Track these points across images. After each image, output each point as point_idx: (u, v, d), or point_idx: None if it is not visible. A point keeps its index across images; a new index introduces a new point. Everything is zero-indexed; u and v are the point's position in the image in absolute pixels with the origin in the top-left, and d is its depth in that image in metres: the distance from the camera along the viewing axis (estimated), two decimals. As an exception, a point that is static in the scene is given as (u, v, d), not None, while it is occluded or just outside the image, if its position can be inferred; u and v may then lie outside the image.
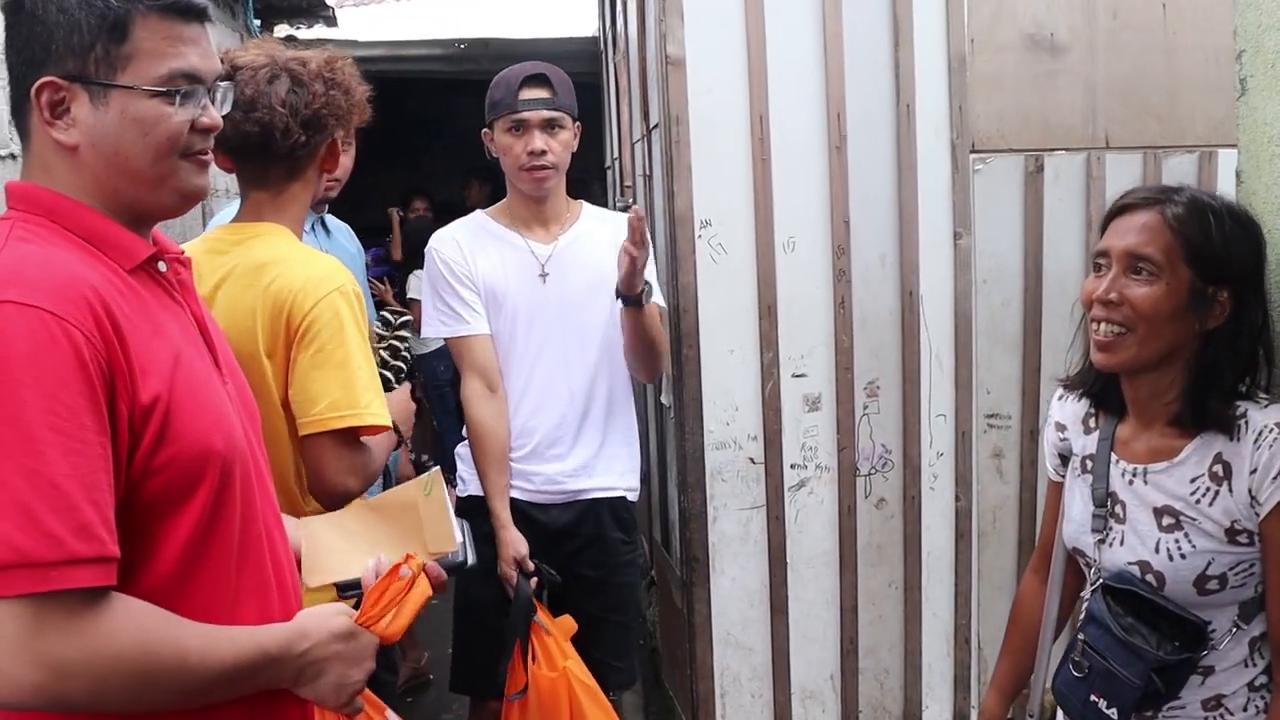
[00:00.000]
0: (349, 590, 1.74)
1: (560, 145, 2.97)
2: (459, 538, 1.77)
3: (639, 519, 3.54)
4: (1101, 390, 1.98)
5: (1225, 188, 3.41)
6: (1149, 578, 1.85)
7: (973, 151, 3.34)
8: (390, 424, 2.25)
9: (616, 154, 4.94)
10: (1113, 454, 1.95)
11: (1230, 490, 1.77)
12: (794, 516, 3.37)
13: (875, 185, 3.30)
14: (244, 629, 1.44)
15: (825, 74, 3.24)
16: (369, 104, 2.38)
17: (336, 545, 1.79)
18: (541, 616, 2.90)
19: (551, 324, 3.00)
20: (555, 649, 2.87)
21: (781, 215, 3.26)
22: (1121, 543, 1.90)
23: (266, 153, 2.21)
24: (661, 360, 3.11)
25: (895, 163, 3.30)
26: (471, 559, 1.79)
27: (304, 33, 6.86)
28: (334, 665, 1.51)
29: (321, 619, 1.52)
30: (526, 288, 3.00)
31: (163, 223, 1.58)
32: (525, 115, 2.94)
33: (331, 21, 7.00)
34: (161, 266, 1.53)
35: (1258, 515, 1.75)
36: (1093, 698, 1.89)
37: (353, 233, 3.48)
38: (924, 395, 3.38)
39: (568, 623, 2.96)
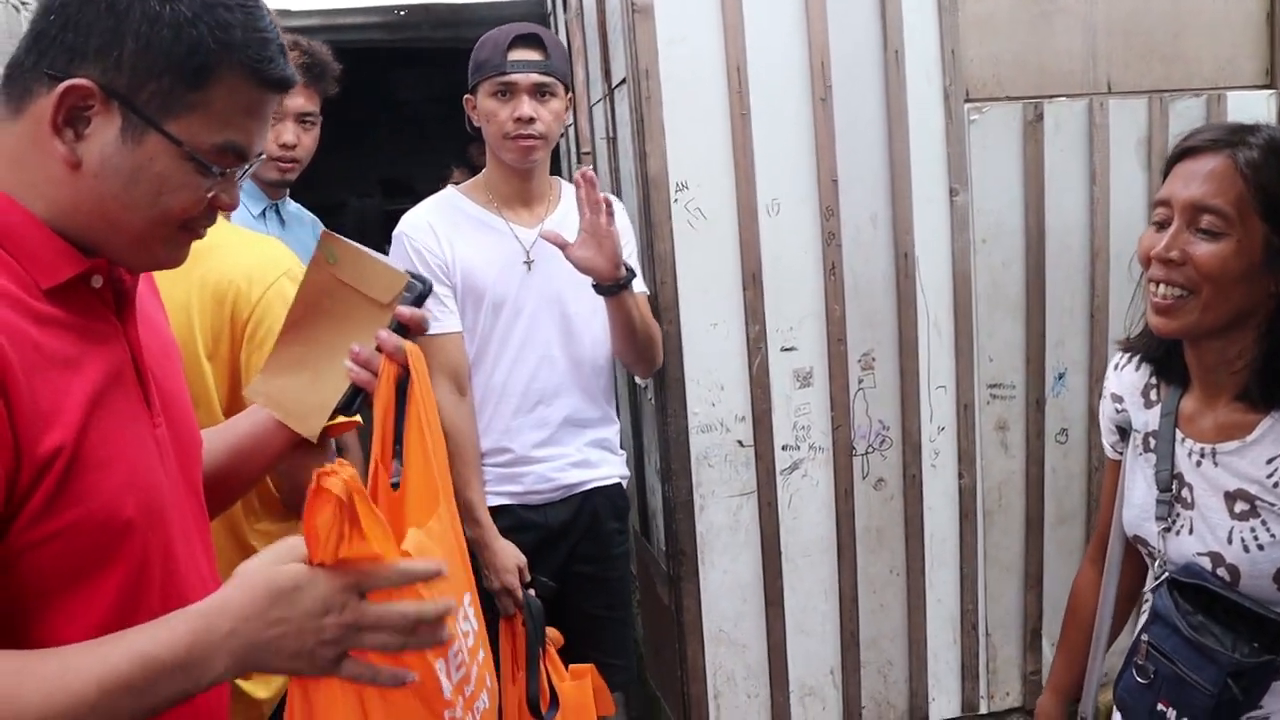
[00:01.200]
0: (353, 402, 1.52)
1: (551, 114, 2.69)
2: (402, 266, 1.52)
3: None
4: (1164, 356, 1.74)
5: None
6: (1221, 571, 1.62)
7: (967, 100, 3.10)
8: (359, 420, 2.02)
9: (571, 119, 4.67)
10: (1177, 431, 1.72)
11: None
12: (787, 502, 3.13)
13: (864, 140, 3.05)
14: (112, 641, 1.08)
15: (806, 19, 2.98)
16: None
17: (302, 380, 1.52)
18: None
19: (537, 315, 2.75)
20: (556, 658, 2.68)
21: (764, 175, 3.01)
22: (1190, 531, 1.68)
23: None
24: (657, 350, 2.87)
25: (885, 114, 3.05)
26: (425, 284, 1.53)
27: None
28: (283, 634, 1.11)
29: (245, 580, 1.12)
30: (510, 277, 2.74)
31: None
32: (514, 78, 2.65)
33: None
34: (95, 282, 1.23)
35: None
36: (1160, 706, 1.65)
37: (318, 223, 3.21)
38: (922, 366, 3.15)
39: (554, 635, 2.74)
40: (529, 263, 2.74)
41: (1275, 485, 1.59)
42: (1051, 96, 3.15)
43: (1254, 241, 1.56)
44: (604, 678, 2.74)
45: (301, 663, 1.14)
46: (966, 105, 3.10)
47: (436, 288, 2.66)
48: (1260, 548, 1.59)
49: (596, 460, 2.86)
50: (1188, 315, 1.60)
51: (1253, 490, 1.61)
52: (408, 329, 1.48)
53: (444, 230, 2.73)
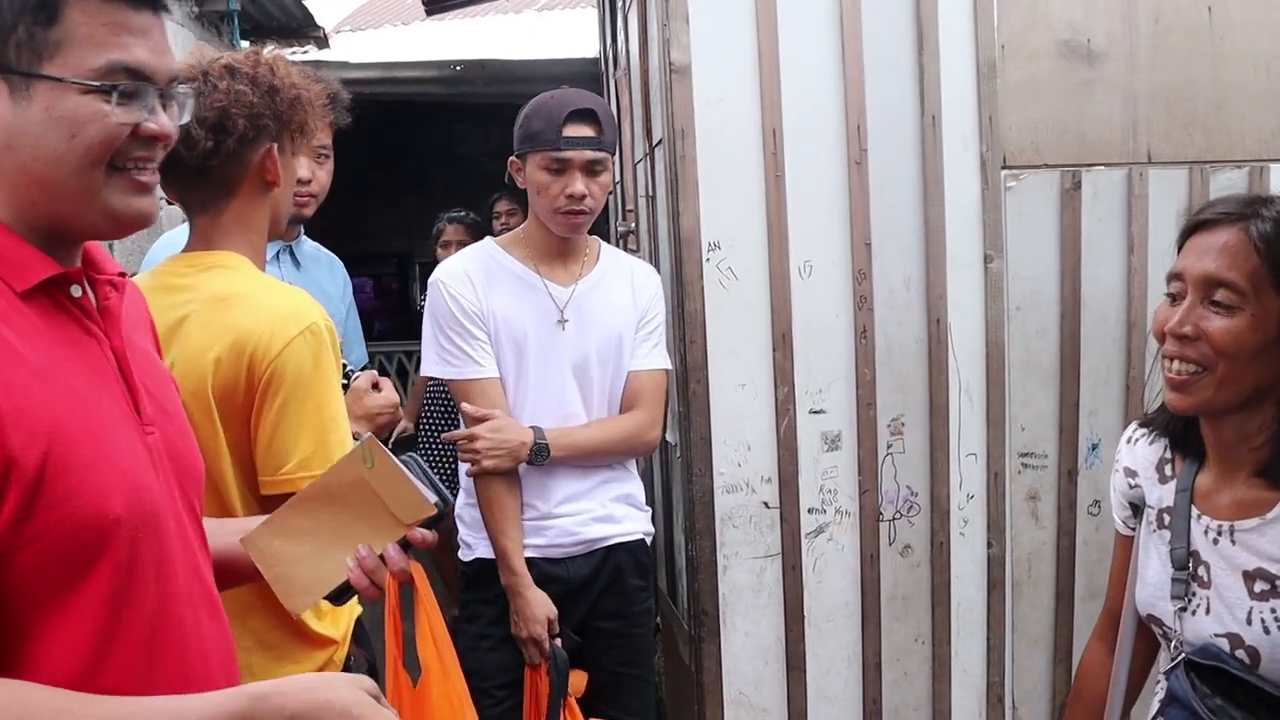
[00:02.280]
0: (343, 596, 1.54)
1: (600, 188, 2.75)
2: (431, 496, 1.54)
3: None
4: (1182, 431, 1.71)
5: None
6: (1240, 653, 1.58)
7: (1004, 167, 3.08)
8: None
9: (618, 177, 4.71)
10: (1193, 507, 1.68)
11: None
12: (812, 565, 3.09)
13: (899, 203, 3.04)
14: (156, 704, 1.12)
15: (844, 82, 2.98)
16: (328, 105, 2.10)
17: (299, 553, 1.53)
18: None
19: (564, 371, 2.78)
20: (576, 710, 2.70)
21: (796, 236, 3.00)
22: (1206, 611, 1.64)
23: (181, 167, 1.90)
24: (635, 448, 2.91)
25: (920, 179, 3.04)
26: (449, 497, 1.58)
27: (294, 55, 6.65)
28: None
29: (293, 686, 1.19)
30: (542, 332, 2.77)
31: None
32: (568, 155, 2.69)
33: (323, 43, 6.81)
34: (75, 291, 1.25)
35: None
36: None
37: (339, 264, 3.21)
38: (953, 433, 3.11)
39: (577, 681, 2.74)
40: (563, 321, 2.76)
41: None
42: (1090, 165, 3.12)
43: (1269, 315, 1.54)
44: (622, 736, 2.74)
45: None
46: (1003, 172, 3.08)
47: (476, 333, 2.71)
48: None
49: (620, 515, 2.86)
50: (1203, 392, 1.58)
51: (1273, 570, 1.57)
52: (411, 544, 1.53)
53: (480, 280, 2.76)
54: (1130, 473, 1.82)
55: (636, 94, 3.70)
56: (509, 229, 4.12)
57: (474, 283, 2.76)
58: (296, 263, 2.98)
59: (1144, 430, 1.82)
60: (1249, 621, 1.58)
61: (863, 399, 3.06)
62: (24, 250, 1.20)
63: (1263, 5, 3.16)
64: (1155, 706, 1.73)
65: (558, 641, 2.69)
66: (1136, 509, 1.80)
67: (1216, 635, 1.61)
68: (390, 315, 12.25)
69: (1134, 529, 1.81)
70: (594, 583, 2.82)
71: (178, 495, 1.33)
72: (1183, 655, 1.66)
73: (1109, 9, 3.11)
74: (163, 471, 1.30)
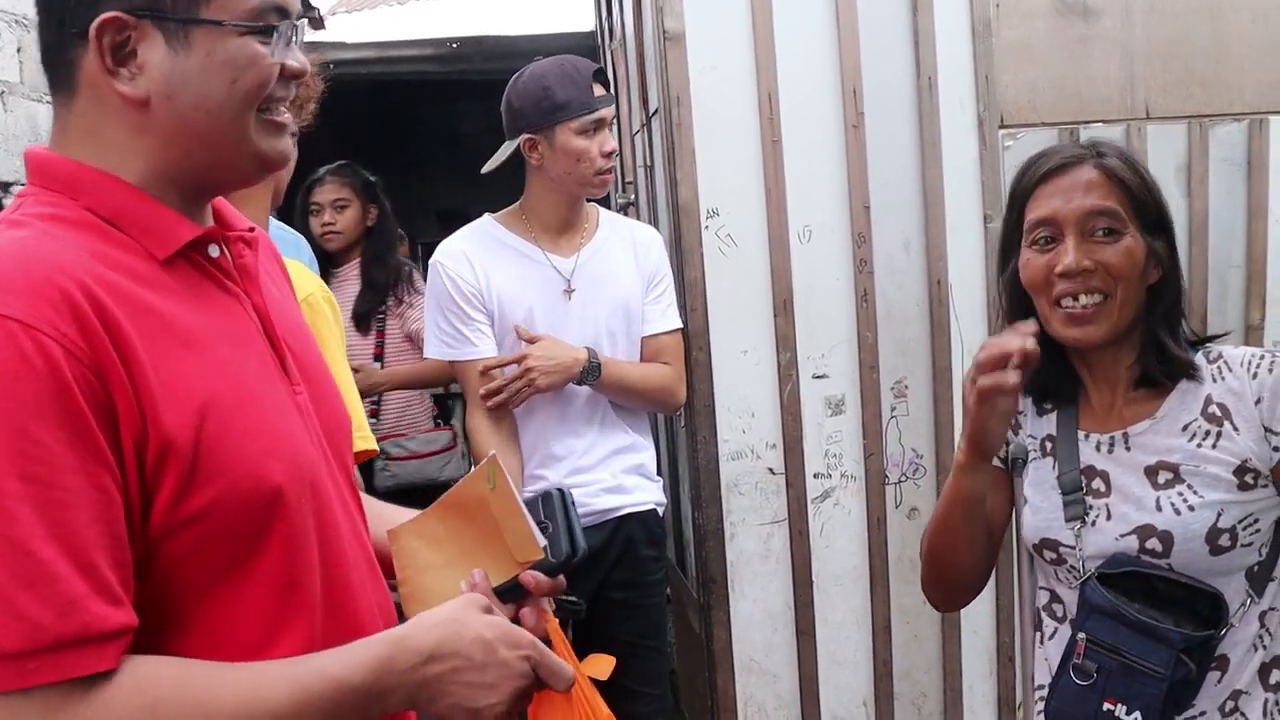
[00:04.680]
0: None
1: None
2: (541, 540, 1.44)
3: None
4: (1054, 376, 1.77)
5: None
6: (1152, 543, 1.63)
7: (1001, 126, 3.08)
8: (375, 449, 2.03)
9: (616, 149, 4.70)
10: (1079, 431, 1.75)
11: (1235, 428, 1.63)
12: (819, 530, 3.09)
13: (897, 166, 3.04)
14: (303, 661, 1.12)
15: (839, 45, 2.97)
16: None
17: (432, 560, 1.48)
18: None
19: (575, 342, 2.77)
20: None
21: (795, 201, 3.00)
22: (1107, 518, 1.68)
23: None
24: (666, 400, 2.90)
25: (918, 141, 3.04)
26: (580, 544, 1.48)
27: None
28: (466, 682, 1.18)
29: (433, 623, 1.20)
30: (548, 304, 2.78)
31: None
32: (603, 113, 2.74)
33: (318, 24, 6.76)
34: (213, 251, 1.22)
35: (1274, 448, 1.61)
36: (1107, 705, 1.60)
37: (304, 244, 3.19)
38: (956, 394, 3.10)
39: (600, 664, 2.72)
40: (569, 291, 2.77)
41: (1198, 446, 1.63)
42: (1088, 122, 3.11)
43: (1138, 238, 1.64)
44: (635, 706, 2.75)
45: (461, 714, 1.19)
46: (1001, 131, 3.07)
47: (474, 314, 2.71)
48: (1191, 509, 1.61)
49: (631, 486, 2.85)
50: (1108, 318, 1.65)
51: (1174, 459, 1.64)
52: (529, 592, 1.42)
53: (479, 259, 2.76)
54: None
55: (632, 65, 3.69)
56: (332, 226, 4.10)
57: (473, 263, 2.75)
58: None
59: None
60: (1159, 508, 1.62)
61: (865, 362, 3.06)
62: (164, 215, 1.17)
63: (1258, -45, 3.14)
64: (1066, 625, 1.73)
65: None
66: (1014, 461, 1.82)
67: (1122, 535, 1.64)
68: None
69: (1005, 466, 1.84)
70: (606, 553, 2.81)
71: (330, 455, 1.30)
72: (1093, 571, 1.67)
73: (1103, -36, 3.09)
74: (314, 432, 1.27)
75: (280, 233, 3.05)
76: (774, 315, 3.01)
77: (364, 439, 1.96)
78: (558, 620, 2.57)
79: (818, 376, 3.05)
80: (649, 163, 3.57)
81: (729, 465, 3.04)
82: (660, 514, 2.95)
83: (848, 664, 3.17)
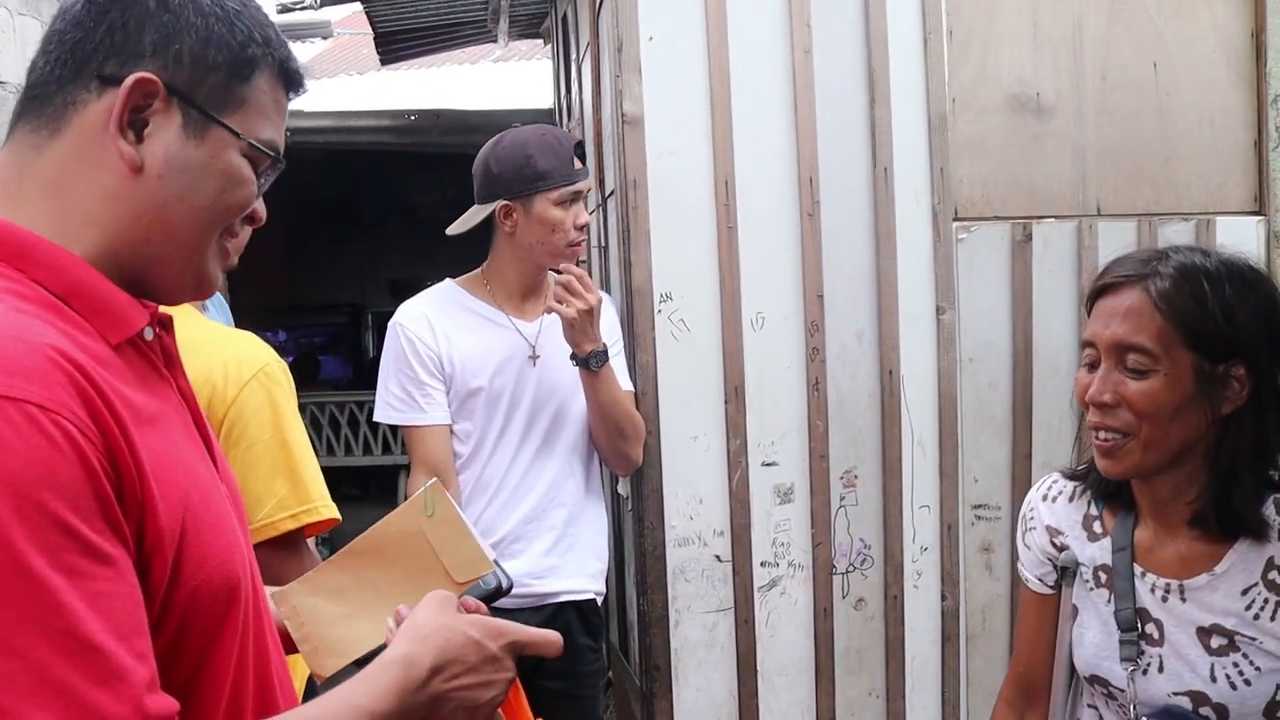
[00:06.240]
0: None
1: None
2: (491, 554, 1.43)
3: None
4: (1115, 486, 1.70)
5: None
6: (1206, 710, 1.56)
7: (955, 219, 3.10)
8: (338, 517, 2.00)
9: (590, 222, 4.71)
10: (1136, 565, 1.66)
11: None
12: (765, 619, 3.06)
13: (851, 255, 3.04)
14: (330, 701, 1.14)
15: (796, 133, 2.99)
16: None
17: (335, 612, 1.43)
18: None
19: (538, 409, 2.77)
20: None
21: (749, 288, 2.99)
22: (1160, 669, 1.61)
23: None
24: (630, 445, 2.85)
25: (873, 231, 3.05)
26: (507, 581, 1.50)
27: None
28: (468, 685, 1.24)
29: (428, 633, 1.24)
30: (511, 370, 2.76)
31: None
32: (581, 185, 2.76)
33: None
34: (148, 334, 1.17)
35: None
36: None
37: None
38: (906, 485, 3.10)
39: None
40: (534, 357, 2.75)
41: (1255, 617, 1.55)
42: (1040, 217, 3.14)
43: (1183, 372, 1.53)
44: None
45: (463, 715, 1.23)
46: (955, 224, 3.09)
47: (426, 379, 2.68)
48: (1247, 683, 1.55)
49: (572, 569, 2.81)
50: (1130, 456, 1.57)
51: (1229, 624, 1.56)
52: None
53: (440, 323, 2.75)
54: (1054, 531, 1.78)
55: (590, 145, 3.70)
56: None
57: (433, 326, 2.74)
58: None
59: (1064, 486, 1.80)
60: (1213, 679, 1.56)
61: (815, 451, 3.04)
62: (116, 296, 1.11)
63: (1206, 61, 3.20)
64: None
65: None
66: (1064, 570, 1.77)
67: (1175, 694, 1.59)
68: (342, 365, 12.19)
69: (1053, 588, 1.78)
70: None
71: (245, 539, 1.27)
72: (1142, 716, 1.64)
73: (1057, 65, 3.14)
74: (241, 519, 1.25)
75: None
76: (725, 402, 2.99)
77: (328, 508, 1.95)
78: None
79: (767, 464, 3.03)
80: (603, 243, 3.57)
81: (676, 551, 3.00)
82: (598, 604, 2.90)
83: (791, 757, 3.12)
